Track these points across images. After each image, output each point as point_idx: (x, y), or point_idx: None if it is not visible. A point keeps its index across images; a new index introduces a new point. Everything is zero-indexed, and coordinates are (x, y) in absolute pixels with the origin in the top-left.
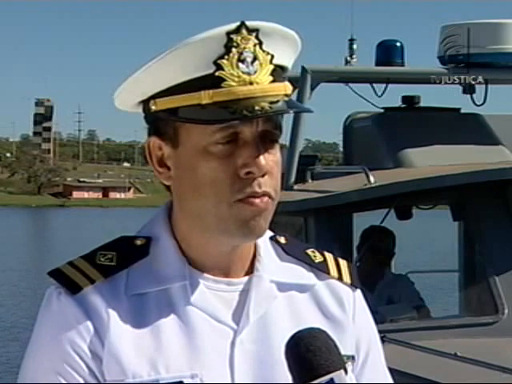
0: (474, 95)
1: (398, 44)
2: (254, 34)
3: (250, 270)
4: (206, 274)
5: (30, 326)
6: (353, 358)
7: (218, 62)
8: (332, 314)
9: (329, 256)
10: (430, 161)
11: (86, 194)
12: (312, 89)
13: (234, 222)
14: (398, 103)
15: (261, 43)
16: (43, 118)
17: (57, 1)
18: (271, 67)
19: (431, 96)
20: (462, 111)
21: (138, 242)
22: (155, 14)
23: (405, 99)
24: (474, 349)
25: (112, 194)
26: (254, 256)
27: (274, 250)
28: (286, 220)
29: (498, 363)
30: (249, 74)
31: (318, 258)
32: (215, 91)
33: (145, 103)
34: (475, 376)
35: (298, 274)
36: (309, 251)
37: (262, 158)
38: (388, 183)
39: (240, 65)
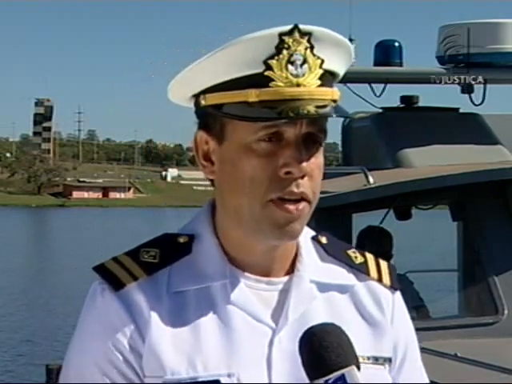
0: (473, 95)
1: (397, 44)
2: (306, 38)
3: (291, 270)
4: (246, 273)
5: (30, 326)
6: (389, 360)
7: (268, 61)
8: (371, 316)
9: (370, 257)
10: (429, 161)
11: (85, 194)
12: None
13: (267, 223)
14: (396, 103)
15: (312, 47)
16: (43, 118)
17: (57, 1)
18: (320, 72)
19: (429, 96)
20: (461, 111)
21: (181, 240)
22: (155, 14)
23: (403, 99)
24: (474, 349)
25: (112, 194)
26: (296, 255)
27: (315, 250)
28: None
29: (498, 364)
30: (297, 76)
31: (359, 259)
32: (262, 90)
33: (196, 98)
34: (475, 376)
35: (339, 274)
36: (350, 252)
37: (303, 159)
38: (387, 184)
39: (289, 66)
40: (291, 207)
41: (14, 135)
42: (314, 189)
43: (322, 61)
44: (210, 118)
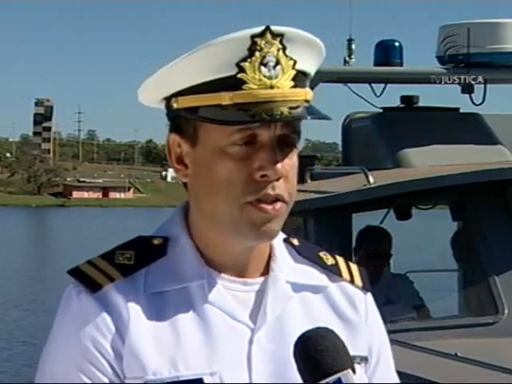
0: (473, 95)
1: (397, 44)
2: (279, 39)
3: (265, 271)
4: (222, 274)
5: (29, 325)
6: (366, 359)
7: (241, 64)
8: (345, 316)
9: (340, 259)
10: (429, 161)
11: (85, 194)
12: (311, 89)
13: (245, 224)
14: (396, 103)
15: (284, 48)
16: (43, 118)
17: (57, 1)
18: (293, 72)
19: (429, 96)
20: (461, 111)
21: (156, 242)
22: (155, 13)
23: (403, 99)
24: (474, 349)
25: (112, 194)
26: (269, 257)
27: (287, 252)
28: (285, 221)
29: (498, 363)
30: (270, 77)
31: (330, 261)
32: (236, 93)
33: (167, 100)
34: (476, 376)
35: (312, 275)
36: (321, 254)
37: (278, 161)
38: (387, 183)
39: (262, 68)
40: (268, 207)
41: (14, 135)
42: (290, 190)
43: (295, 62)
44: (182, 120)
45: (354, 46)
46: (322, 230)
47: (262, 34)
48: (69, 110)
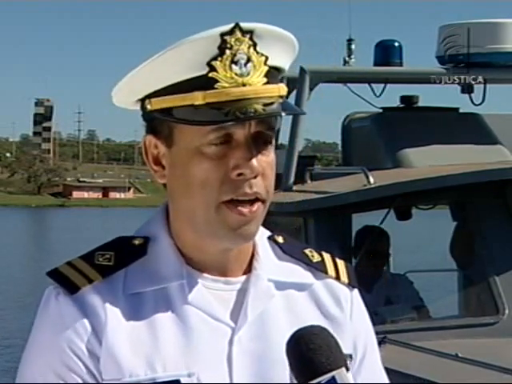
0: (473, 95)
1: (397, 44)
2: (249, 36)
3: (248, 269)
4: (203, 273)
5: (30, 326)
6: (350, 356)
7: (212, 63)
8: (330, 313)
9: (326, 256)
10: (429, 161)
11: (85, 194)
12: (311, 89)
13: (221, 226)
14: (396, 103)
15: (255, 45)
16: (43, 118)
17: (57, 1)
18: (265, 69)
19: (429, 96)
20: (461, 111)
21: (136, 242)
22: (155, 14)
23: (403, 99)
24: (475, 349)
25: (112, 194)
26: (252, 255)
27: (271, 249)
28: (286, 221)
29: (498, 364)
30: (242, 75)
31: (316, 258)
32: (208, 92)
33: (142, 101)
34: (476, 377)
35: (296, 273)
36: (306, 251)
37: (254, 159)
38: (387, 184)
39: (233, 66)
40: (245, 210)
41: (14, 135)
42: (268, 187)
43: (266, 57)
44: (157, 122)
45: (353, 46)
46: (322, 230)
47: (231, 32)
48: (69, 110)
